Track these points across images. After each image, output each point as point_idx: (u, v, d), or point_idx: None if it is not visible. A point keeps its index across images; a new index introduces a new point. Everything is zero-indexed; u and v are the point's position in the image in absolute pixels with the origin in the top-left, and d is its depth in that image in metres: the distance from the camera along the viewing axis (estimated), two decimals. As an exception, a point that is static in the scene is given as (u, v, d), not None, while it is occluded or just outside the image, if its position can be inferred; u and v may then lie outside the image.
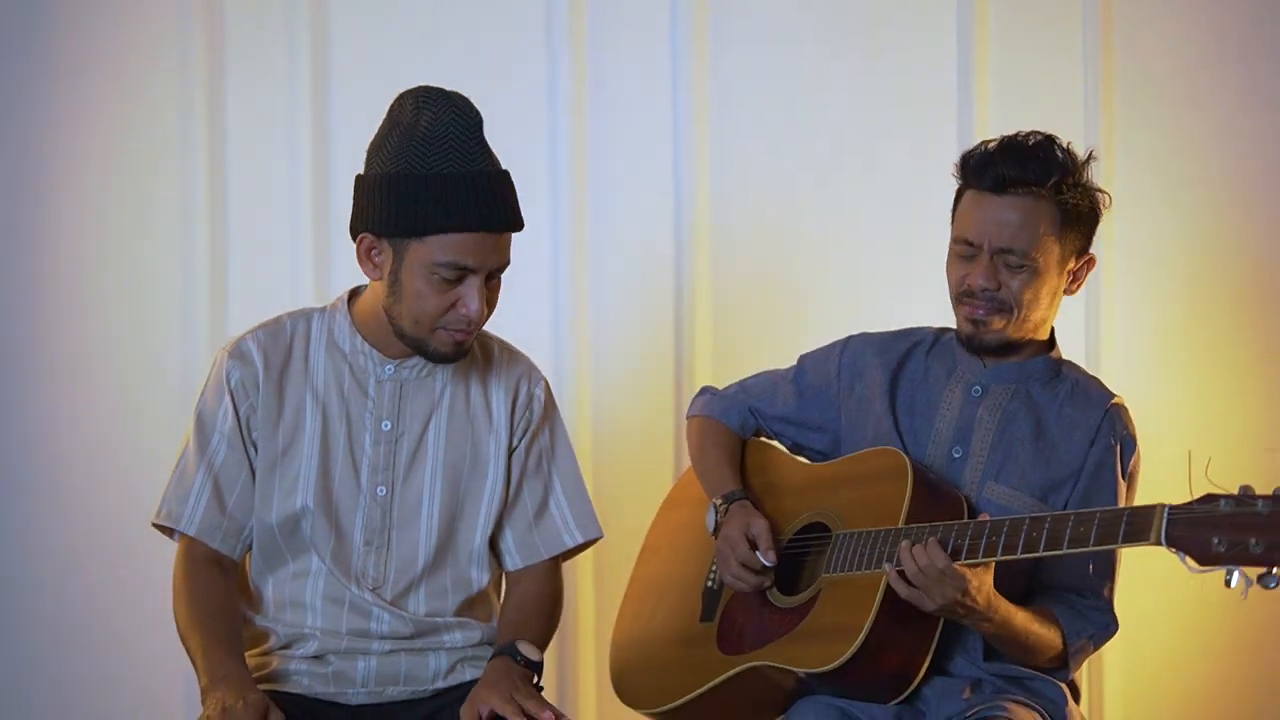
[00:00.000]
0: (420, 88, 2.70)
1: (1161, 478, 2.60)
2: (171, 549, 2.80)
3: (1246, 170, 3.57)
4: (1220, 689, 3.58)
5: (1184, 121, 3.59)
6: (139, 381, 3.70)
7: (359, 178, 2.72)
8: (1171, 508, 2.38)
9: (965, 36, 3.63)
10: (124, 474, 3.68)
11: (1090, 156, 2.81)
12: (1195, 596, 3.41)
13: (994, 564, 2.61)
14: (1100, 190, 2.81)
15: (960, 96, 3.62)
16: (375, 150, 2.70)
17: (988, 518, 2.64)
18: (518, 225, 2.71)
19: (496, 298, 2.73)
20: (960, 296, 2.81)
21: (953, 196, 2.85)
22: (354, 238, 2.72)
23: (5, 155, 3.68)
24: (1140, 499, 2.74)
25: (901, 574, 2.62)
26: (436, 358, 2.73)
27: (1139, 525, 2.41)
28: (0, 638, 3.71)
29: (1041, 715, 2.72)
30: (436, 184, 2.64)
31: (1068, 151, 2.79)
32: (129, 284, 3.71)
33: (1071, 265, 2.80)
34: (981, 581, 2.61)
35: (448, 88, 2.70)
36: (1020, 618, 2.69)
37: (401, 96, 2.70)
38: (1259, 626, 3.54)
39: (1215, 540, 2.32)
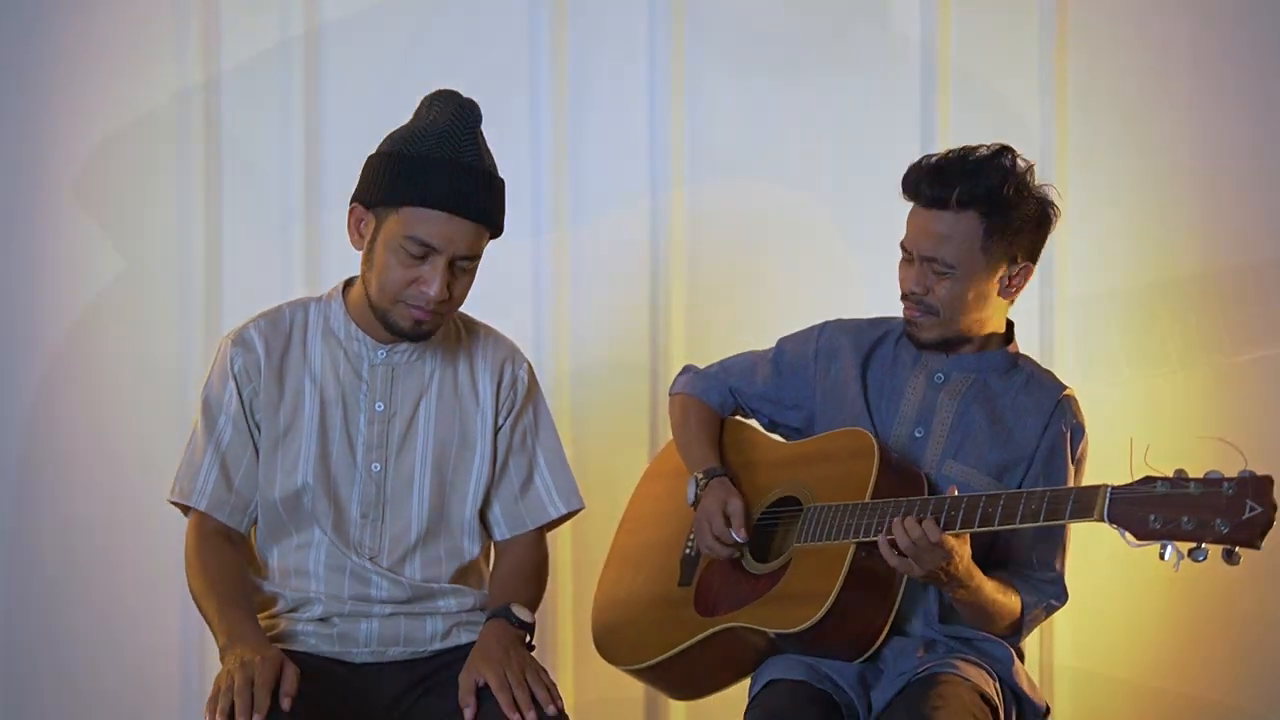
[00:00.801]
0: (439, 90, 2.87)
1: (1109, 462, 2.76)
2: (160, 533, 2.99)
3: (1193, 172, 3.68)
4: (1164, 653, 3.75)
5: (1135, 125, 3.69)
6: (135, 377, 3.74)
7: (369, 157, 2.87)
8: (1113, 488, 2.58)
9: (929, 45, 3.74)
10: (120, 464, 3.74)
11: (1030, 169, 2.93)
12: (1139, 570, 3.58)
13: (969, 536, 2.77)
14: (1049, 204, 2.94)
15: (924, 101, 3.72)
16: (389, 135, 2.86)
17: (955, 491, 2.80)
18: (492, 221, 2.84)
19: (464, 289, 2.85)
20: (902, 297, 2.99)
21: None
22: (350, 209, 2.88)
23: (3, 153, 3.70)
24: (1089, 481, 2.91)
25: (892, 543, 2.78)
26: (397, 332, 2.87)
27: (1084, 503, 2.60)
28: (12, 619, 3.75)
29: (989, 673, 2.89)
30: (419, 162, 2.79)
31: (1012, 165, 2.92)
32: (126, 283, 3.73)
33: (1004, 272, 2.94)
34: (961, 552, 2.78)
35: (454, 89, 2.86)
36: (989, 586, 2.86)
37: (422, 100, 2.87)
38: (1197, 596, 3.71)
39: (1152, 518, 2.52)
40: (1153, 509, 2.53)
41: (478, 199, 2.81)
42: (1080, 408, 3.01)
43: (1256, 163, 3.64)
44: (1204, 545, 2.49)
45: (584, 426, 3.78)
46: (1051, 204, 2.96)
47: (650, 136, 3.76)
